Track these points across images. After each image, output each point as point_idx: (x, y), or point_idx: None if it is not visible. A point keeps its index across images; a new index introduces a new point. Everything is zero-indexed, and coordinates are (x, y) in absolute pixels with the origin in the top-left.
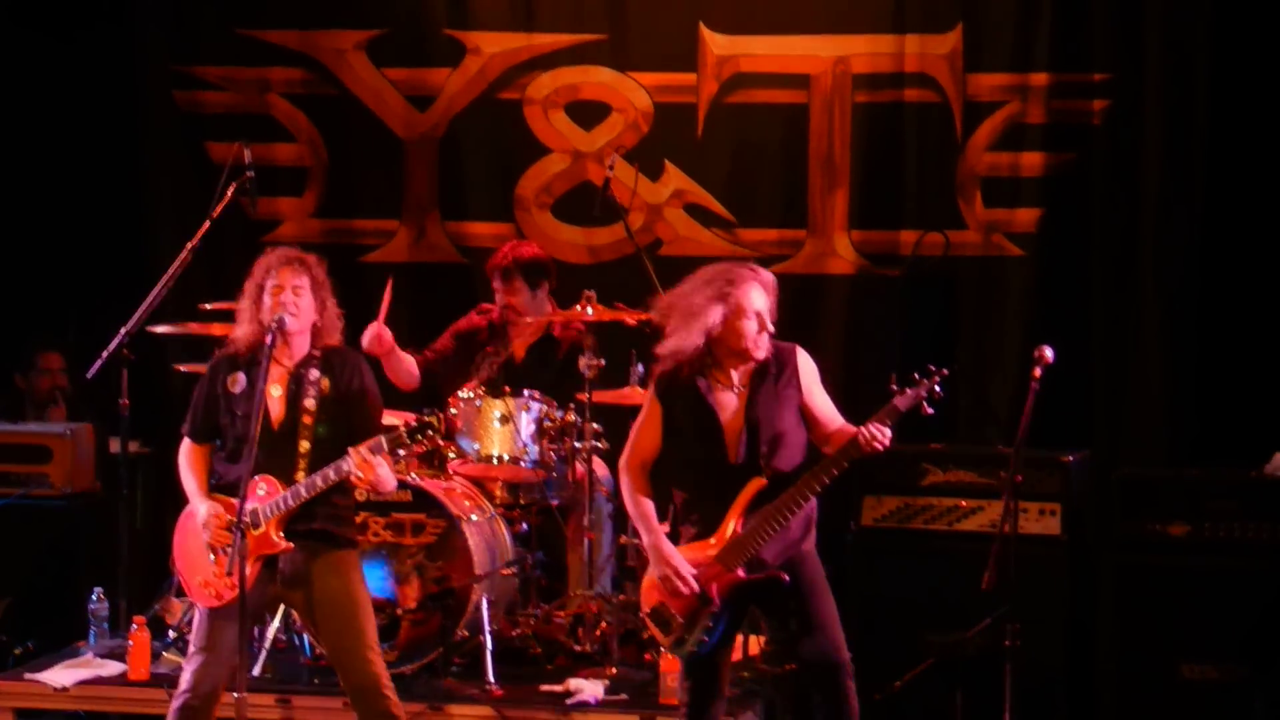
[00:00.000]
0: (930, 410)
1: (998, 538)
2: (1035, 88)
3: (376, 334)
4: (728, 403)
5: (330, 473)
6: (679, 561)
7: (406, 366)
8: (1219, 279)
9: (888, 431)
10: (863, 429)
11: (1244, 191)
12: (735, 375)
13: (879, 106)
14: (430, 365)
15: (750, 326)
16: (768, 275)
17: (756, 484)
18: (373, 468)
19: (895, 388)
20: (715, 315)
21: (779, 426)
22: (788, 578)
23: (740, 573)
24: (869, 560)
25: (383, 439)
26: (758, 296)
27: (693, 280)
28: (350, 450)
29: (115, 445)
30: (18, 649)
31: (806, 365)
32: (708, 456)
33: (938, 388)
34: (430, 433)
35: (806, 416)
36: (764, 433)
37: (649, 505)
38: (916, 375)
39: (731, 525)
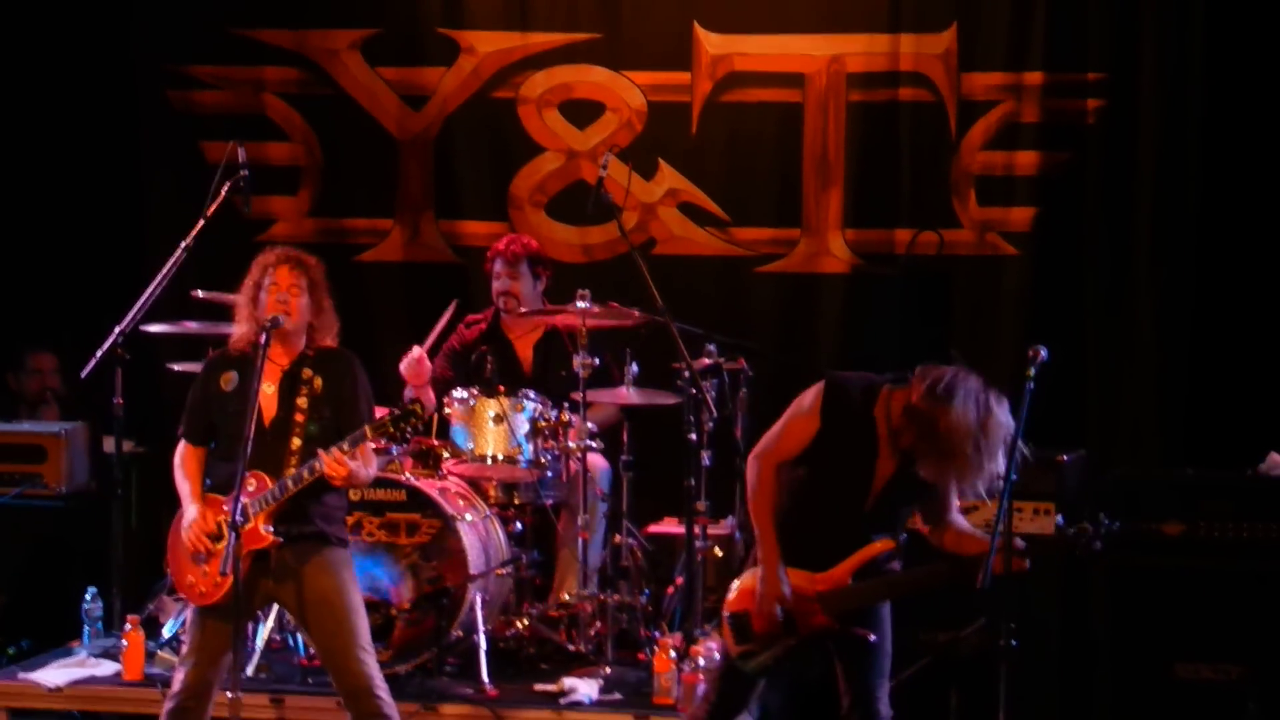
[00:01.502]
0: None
1: (992, 537)
2: (1030, 87)
3: (418, 360)
4: (885, 460)
5: (304, 471)
6: (788, 589)
7: (429, 399)
8: (1213, 279)
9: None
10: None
11: (1239, 191)
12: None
13: (873, 105)
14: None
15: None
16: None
17: (885, 545)
18: (345, 466)
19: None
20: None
21: (913, 499)
22: (874, 638)
23: (833, 622)
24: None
25: (366, 428)
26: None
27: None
28: (320, 451)
29: (110, 445)
30: (11, 648)
31: None
32: (839, 493)
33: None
34: (413, 420)
35: (934, 492)
36: (902, 500)
37: (773, 514)
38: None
39: (845, 573)
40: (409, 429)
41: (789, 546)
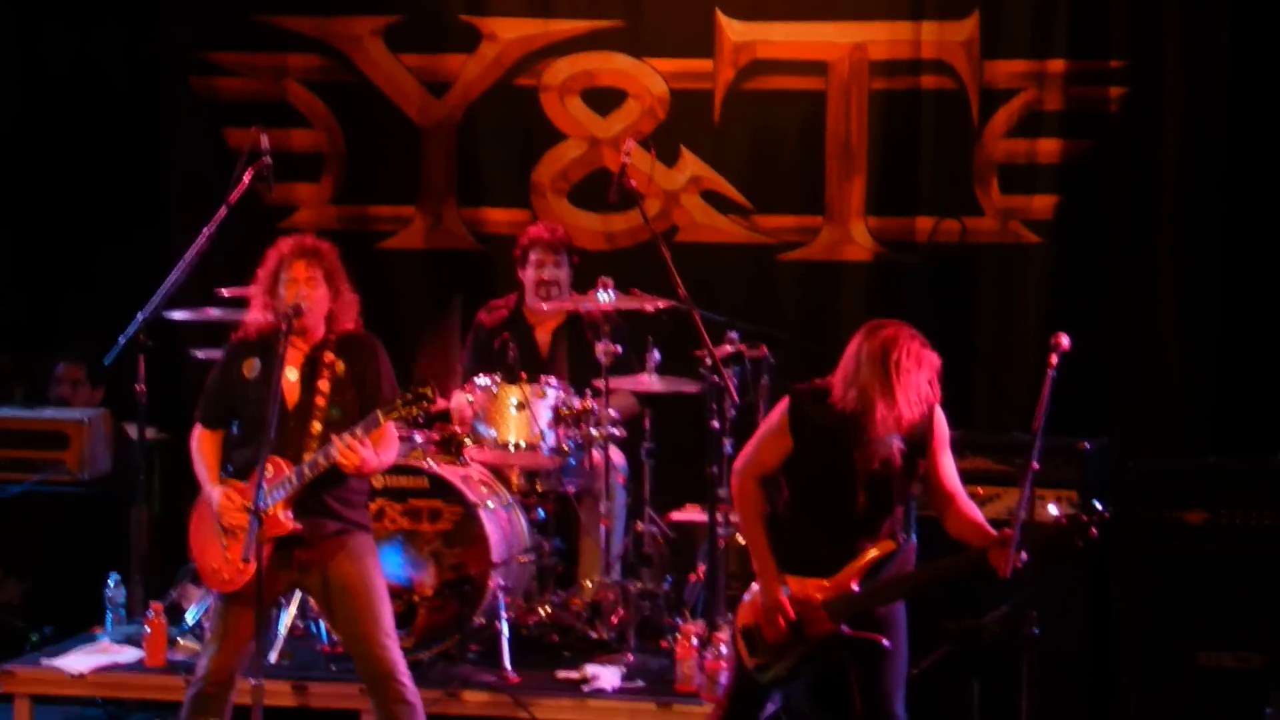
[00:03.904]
0: (1081, 545)
1: (1015, 525)
2: (1052, 75)
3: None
4: (870, 463)
5: (319, 458)
6: (786, 599)
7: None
8: (1238, 266)
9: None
10: (1006, 542)
11: (1264, 178)
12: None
13: (896, 93)
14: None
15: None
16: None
17: (887, 547)
18: (356, 453)
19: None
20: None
21: (908, 494)
22: (889, 643)
23: (844, 627)
24: None
25: (376, 413)
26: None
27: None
28: (334, 437)
29: (132, 431)
30: (34, 635)
31: (942, 429)
32: (831, 499)
33: (1095, 530)
34: (424, 403)
35: (930, 480)
36: (896, 498)
37: (760, 525)
38: (1083, 516)
39: (850, 578)
40: (420, 411)
41: (798, 555)
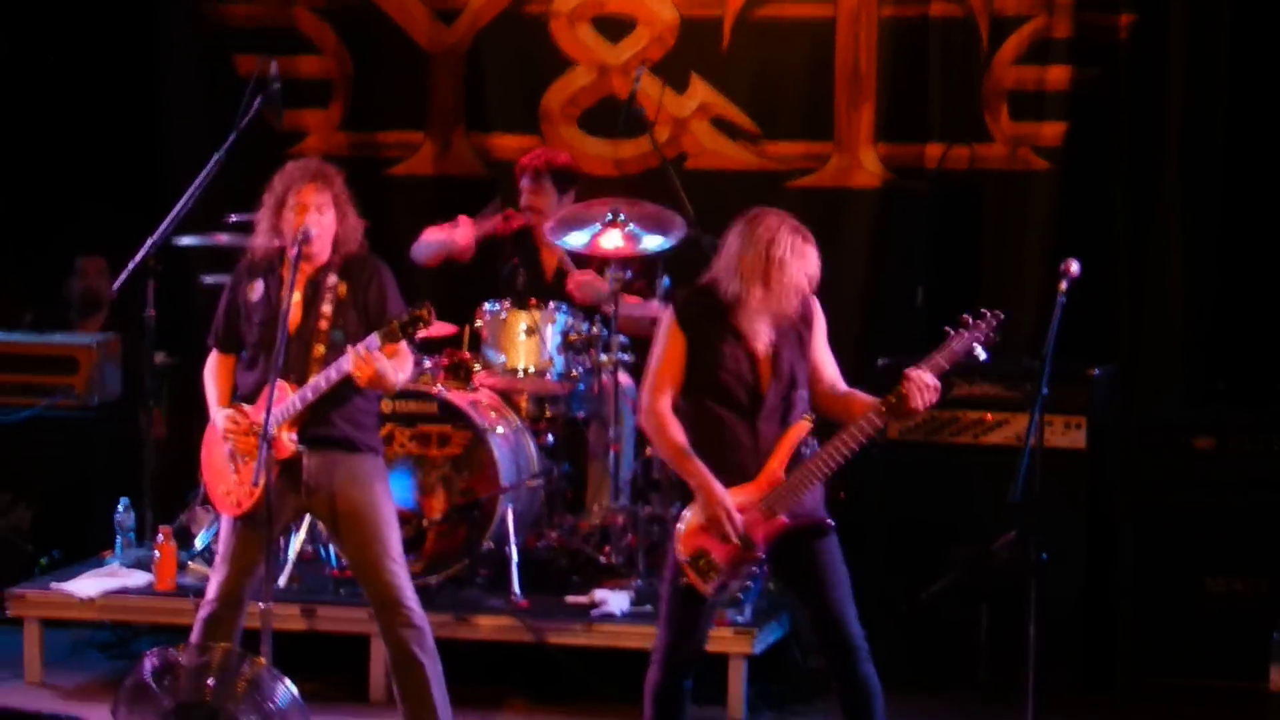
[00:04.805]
0: (984, 356)
1: (1024, 452)
2: (1061, 3)
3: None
4: (760, 342)
5: (332, 372)
6: (730, 502)
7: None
8: (1244, 193)
9: (935, 384)
10: (912, 375)
11: (1270, 105)
12: (765, 321)
13: (905, 21)
14: (452, 252)
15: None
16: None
17: (802, 426)
18: (372, 364)
19: (950, 330)
20: (762, 268)
21: (802, 374)
22: (833, 523)
23: (784, 519)
24: (895, 473)
25: (375, 335)
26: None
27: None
28: (349, 349)
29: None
30: (43, 559)
31: (820, 319)
32: (736, 395)
33: (994, 333)
34: (420, 325)
35: (811, 369)
36: (798, 378)
37: (686, 444)
38: (969, 318)
39: (777, 469)
40: (415, 332)
41: (718, 459)
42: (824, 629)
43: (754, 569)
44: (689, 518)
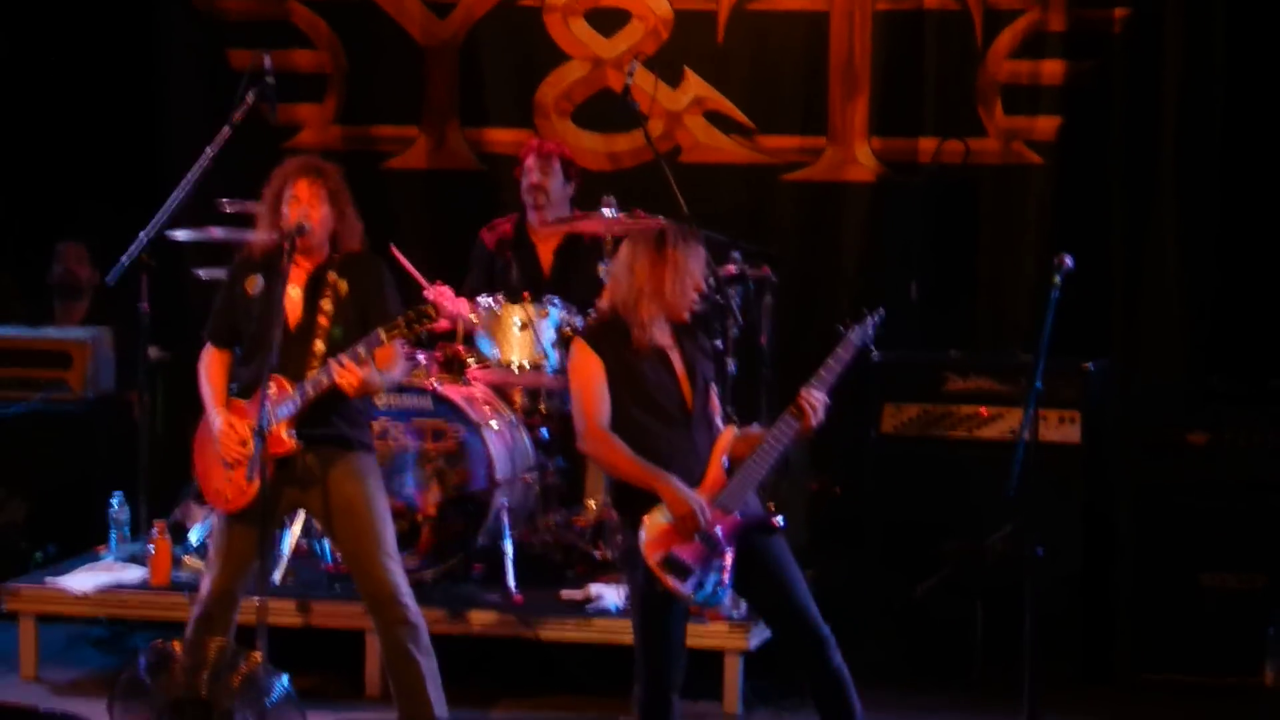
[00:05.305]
0: (877, 355)
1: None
2: None
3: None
4: (673, 353)
5: (322, 377)
6: (697, 495)
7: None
8: (1239, 187)
9: (827, 401)
10: (803, 395)
11: (1265, 99)
12: (665, 331)
13: (899, 14)
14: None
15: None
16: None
17: (730, 432)
18: (355, 374)
19: (842, 327)
20: (657, 273)
21: (710, 373)
22: (781, 521)
23: (738, 516)
24: (889, 468)
25: (379, 332)
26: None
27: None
28: (329, 361)
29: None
30: (38, 554)
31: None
32: (663, 410)
33: (876, 330)
34: (426, 321)
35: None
36: (712, 382)
37: (634, 454)
38: (850, 322)
39: (717, 473)
40: (421, 329)
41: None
42: (791, 624)
43: (722, 563)
44: (650, 525)
